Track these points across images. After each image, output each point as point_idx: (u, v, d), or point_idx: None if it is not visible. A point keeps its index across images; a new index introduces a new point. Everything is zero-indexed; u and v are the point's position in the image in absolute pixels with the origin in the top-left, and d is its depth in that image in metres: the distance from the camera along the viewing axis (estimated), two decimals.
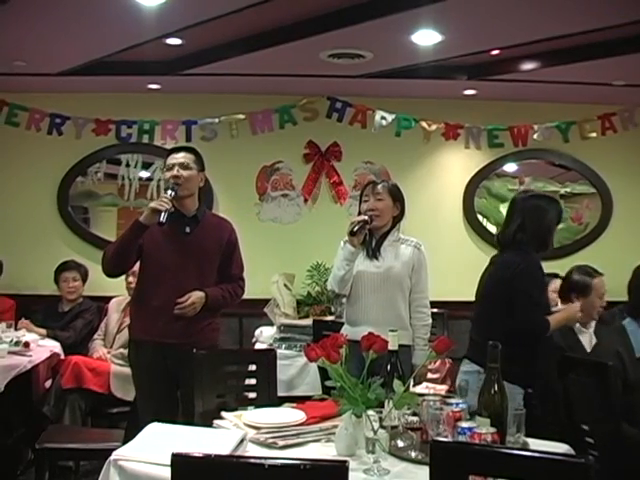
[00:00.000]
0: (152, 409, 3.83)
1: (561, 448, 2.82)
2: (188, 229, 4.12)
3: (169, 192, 3.95)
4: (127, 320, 5.64)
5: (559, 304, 4.84)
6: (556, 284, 5.66)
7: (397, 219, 4.35)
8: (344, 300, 4.45)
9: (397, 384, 2.72)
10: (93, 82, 6.43)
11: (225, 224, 4.31)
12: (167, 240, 4.06)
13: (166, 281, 4.02)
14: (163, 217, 3.84)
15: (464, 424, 2.56)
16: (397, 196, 4.34)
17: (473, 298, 4.12)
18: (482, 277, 4.16)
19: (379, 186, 4.31)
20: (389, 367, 2.93)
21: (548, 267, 6.13)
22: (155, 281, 4.07)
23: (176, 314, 3.97)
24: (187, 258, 4.06)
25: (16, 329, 5.60)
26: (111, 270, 4.14)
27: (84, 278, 6.32)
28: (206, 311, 4.07)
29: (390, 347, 2.87)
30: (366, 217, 4.18)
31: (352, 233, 4.11)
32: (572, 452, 2.77)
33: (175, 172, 4.04)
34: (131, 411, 4.63)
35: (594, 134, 7.10)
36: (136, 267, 5.72)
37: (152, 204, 3.90)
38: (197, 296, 4.01)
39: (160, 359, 4.00)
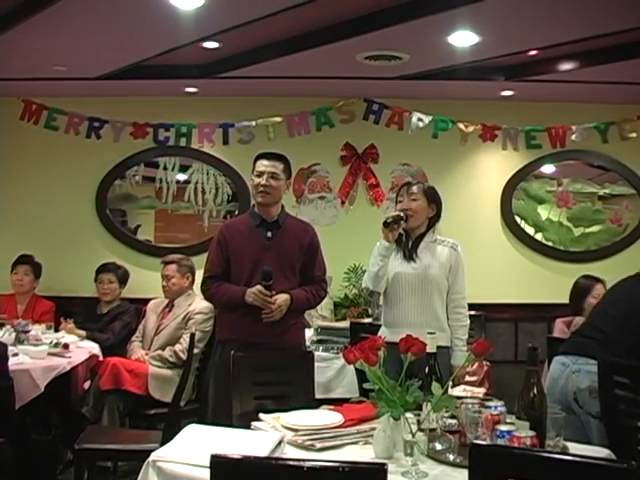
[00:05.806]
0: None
1: (602, 453, 2.79)
2: (270, 234, 4.26)
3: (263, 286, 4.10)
4: (165, 322, 5.70)
5: None
6: (599, 290, 5.53)
7: (433, 220, 4.35)
8: (381, 302, 4.46)
9: (435, 387, 2.71)
10: (131, 86, 6.49)
11: (306, 227, 4.44)
12: (251, 245, 4.21)
13: (251, 284, 4.15)
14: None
15: (503, 427, 2.54)
16: (432, 197, 4.34)
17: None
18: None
19: (414, 187, 4.34)
20: (427, 370, 2.93)
21: (587, 269, 6.17)
22: (241, 285, 4.19)
23: (263, 318, 4.10)
24: (270, 262, 4.17)
25: (56, 330, 5.67)
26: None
27: (121, 280, 6.36)
28: (291, 312, 4.19)
29: (428, 350, 2.87)
30: (400, 213, 4.19)
31: (386, 224, 4.12)
32: (613, 457, 2.74)
33: (264, 181, 4.18)
34: (168, 412, 4.66)
35: (634, 134, 7.00)
36: (170, 271, 5.82)
37: (251, 300, 4.10)
38: (283, 299, 4.14)
39: None
